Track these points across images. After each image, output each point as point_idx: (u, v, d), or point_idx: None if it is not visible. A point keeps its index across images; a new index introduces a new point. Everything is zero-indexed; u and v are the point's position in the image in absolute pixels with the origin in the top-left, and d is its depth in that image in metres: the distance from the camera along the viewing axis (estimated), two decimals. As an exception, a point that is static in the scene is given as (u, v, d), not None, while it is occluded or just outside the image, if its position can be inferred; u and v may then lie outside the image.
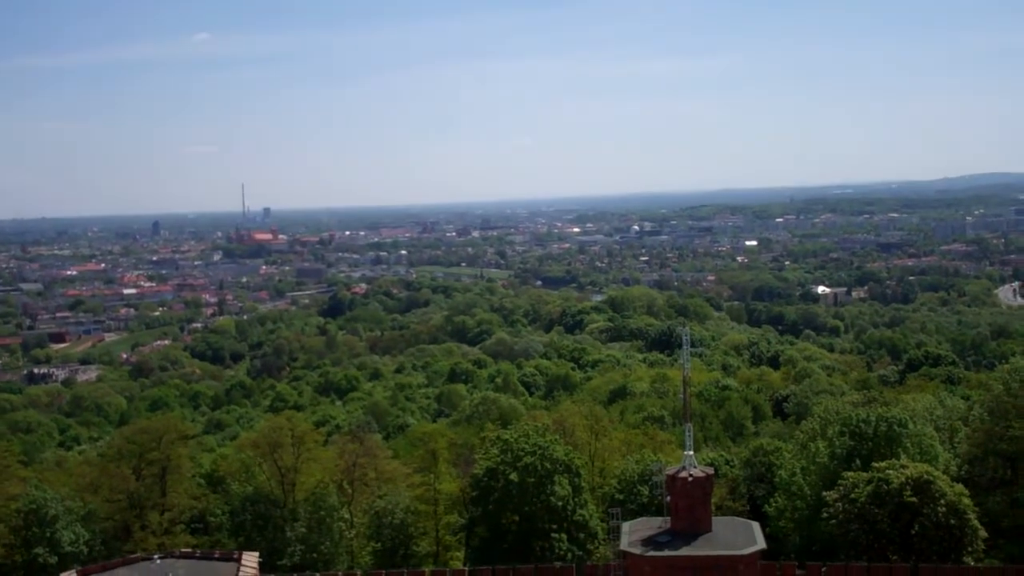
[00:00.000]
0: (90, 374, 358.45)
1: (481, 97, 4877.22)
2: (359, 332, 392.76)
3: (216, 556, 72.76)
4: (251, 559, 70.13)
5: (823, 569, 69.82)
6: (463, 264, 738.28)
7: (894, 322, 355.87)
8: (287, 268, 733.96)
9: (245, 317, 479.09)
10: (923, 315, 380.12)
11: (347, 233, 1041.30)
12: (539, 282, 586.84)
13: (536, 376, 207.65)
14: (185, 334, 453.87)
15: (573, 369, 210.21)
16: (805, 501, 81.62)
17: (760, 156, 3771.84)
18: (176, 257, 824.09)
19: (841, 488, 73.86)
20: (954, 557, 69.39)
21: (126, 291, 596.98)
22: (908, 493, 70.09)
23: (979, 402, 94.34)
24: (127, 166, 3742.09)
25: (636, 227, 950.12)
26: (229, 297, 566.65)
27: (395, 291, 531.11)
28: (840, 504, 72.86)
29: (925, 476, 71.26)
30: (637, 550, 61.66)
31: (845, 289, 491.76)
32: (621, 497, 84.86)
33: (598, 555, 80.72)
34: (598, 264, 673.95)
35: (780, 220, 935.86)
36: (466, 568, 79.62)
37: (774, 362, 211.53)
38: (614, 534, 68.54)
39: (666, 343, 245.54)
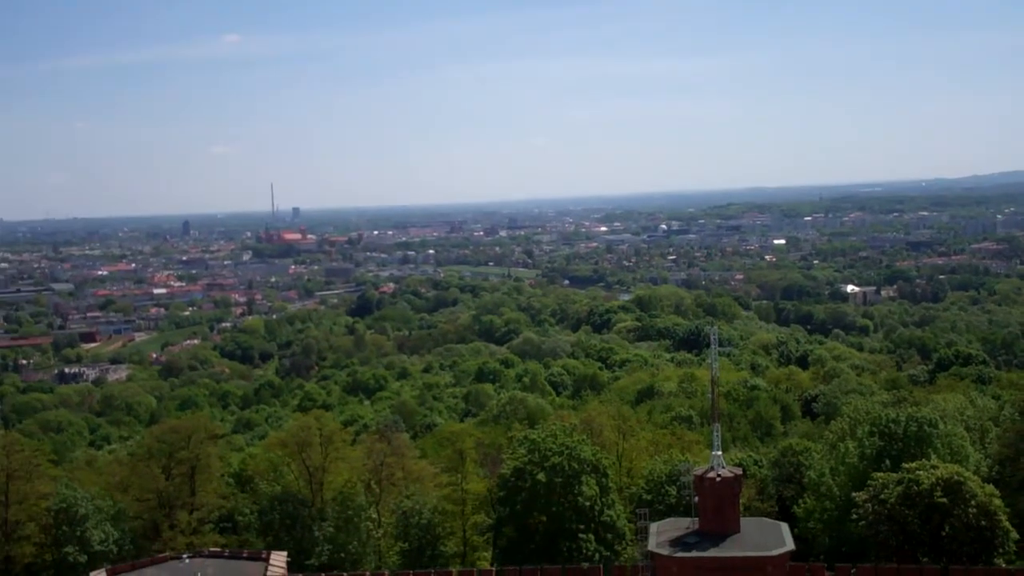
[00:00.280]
0: (120, 374, 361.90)
1: (508, 96, 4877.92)
2: (387, 331, 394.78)
3: (244, 555, 73.33)
4: (279, 559, 70.52)
5: (852, 571, 69.14)
6: (491, 263, 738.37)
7: (924, 321, 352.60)
8: (316, 268, 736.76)
9: (274, 317, 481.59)
10: (953, 314, 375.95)
11: (375, 233, 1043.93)
12: (567, 281, 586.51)
13: (564, 376, 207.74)
14: (214, 334, 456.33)
15: (601, 369, 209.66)
16: (834, 502, 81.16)
17: (788, 154, 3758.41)
18: (206, 257, 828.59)
19: (871, 489, 73.24)
20: (985, 559, 68.72)
21: (156, 291, 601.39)
22: (938, 494, 69.49)
23: (1010, 402, 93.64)
24: (158, 167, 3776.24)
25: (664, 226, 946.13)
26: (258, 297, 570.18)
27: (423, 290, 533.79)
28: (869, 505, 72.28)
29: (956, 477, 70.66)
30: (665, 551, 61.48)
31: (874, 288, 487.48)
32: (649, 498, 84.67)
33: (626, 556, 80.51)
34: (625, 263, 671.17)
35: (808, 219, 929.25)
36: (493, 568, 79.61)
37: (803, 362, 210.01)
38: (642, 535, 68.35)
39: (694, 342, 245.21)
